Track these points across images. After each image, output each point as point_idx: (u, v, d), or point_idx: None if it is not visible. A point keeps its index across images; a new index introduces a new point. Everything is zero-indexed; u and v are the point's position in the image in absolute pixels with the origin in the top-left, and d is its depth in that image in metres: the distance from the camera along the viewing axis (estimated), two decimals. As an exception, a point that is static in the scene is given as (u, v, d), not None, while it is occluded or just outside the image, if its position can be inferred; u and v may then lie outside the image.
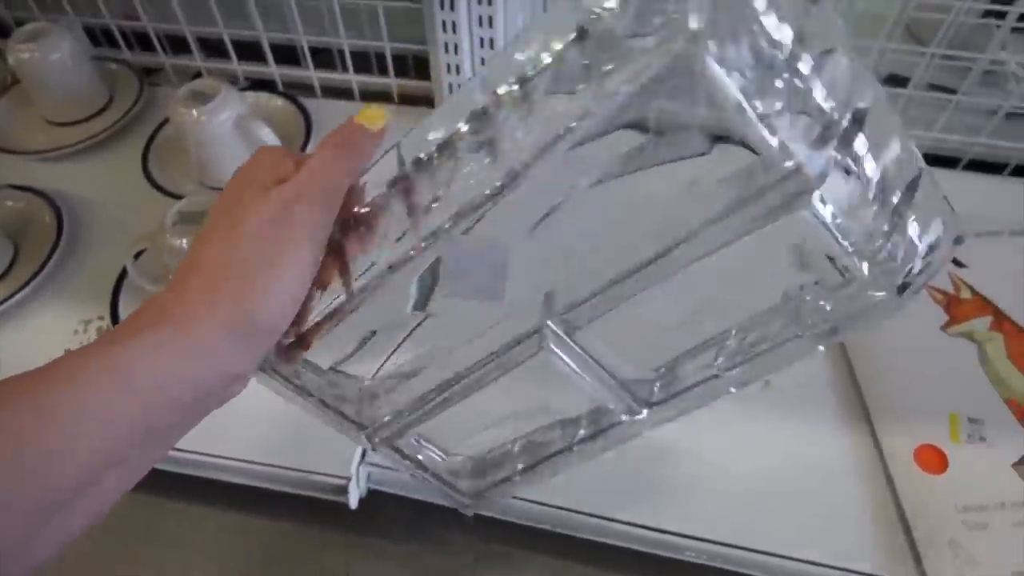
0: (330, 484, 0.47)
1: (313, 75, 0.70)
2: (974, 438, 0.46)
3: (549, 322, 0.29)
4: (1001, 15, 0.55)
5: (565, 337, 0.30)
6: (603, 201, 0.27)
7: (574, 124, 0.22)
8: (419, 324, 0.32)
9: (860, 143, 0.24)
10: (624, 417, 0.35)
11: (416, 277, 0.28)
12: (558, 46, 0.23)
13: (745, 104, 0.21)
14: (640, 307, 0.28)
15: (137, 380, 0.24)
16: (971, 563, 0.41)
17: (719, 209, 0.25)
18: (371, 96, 0.72)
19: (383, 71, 0.69)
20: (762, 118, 0.21)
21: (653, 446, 0.47)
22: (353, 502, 0.47)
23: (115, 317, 0.54)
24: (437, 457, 0.39)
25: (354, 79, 0.70)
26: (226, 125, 0.58)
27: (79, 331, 0.55)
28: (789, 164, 0.23)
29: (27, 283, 0.55)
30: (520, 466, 0.39)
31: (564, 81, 0.23)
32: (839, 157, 0.24)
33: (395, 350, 0.34)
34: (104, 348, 0.24)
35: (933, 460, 0.45)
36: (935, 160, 0.65)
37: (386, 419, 0.35)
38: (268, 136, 0.59)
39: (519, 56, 0.24)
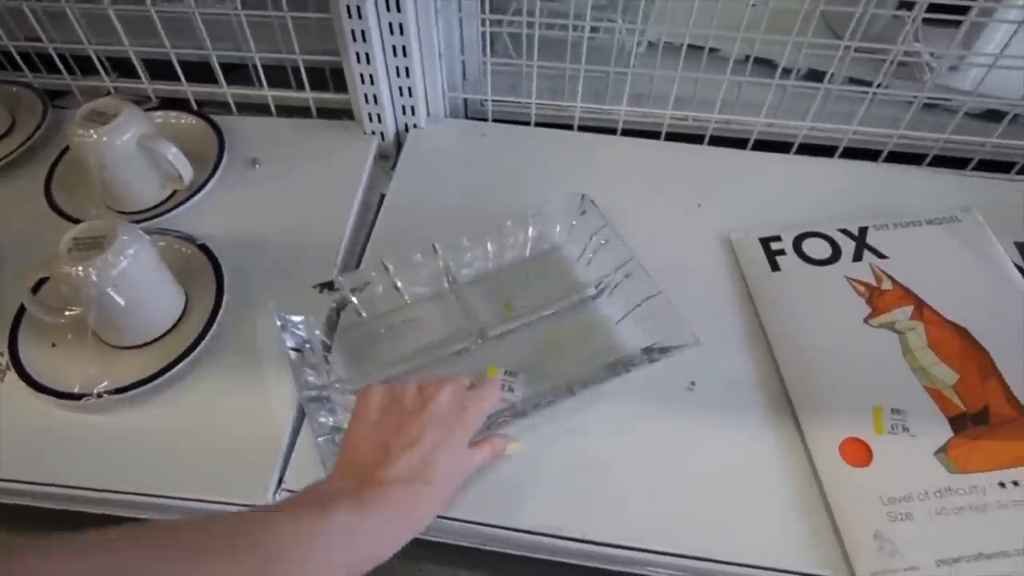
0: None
1: (227, 91, 0.68)
2: (897, 429, 0.46)
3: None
4: (911, 6, 0.55)
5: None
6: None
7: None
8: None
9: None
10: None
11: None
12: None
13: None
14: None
15: (359, 546, 0.35)
16: (895, 554, 0.41)
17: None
18: (289, 111, 0.70)
19: (302, 85, 0.67)
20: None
21: (577, 457, 0.47)
22: (270, 534, 0.45)
23: (14, 353, 0.51)
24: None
25: (269, 94, 0.68)
26: (129, 145, 0.56)
27: (-25, 369, 0.52)
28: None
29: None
30: None
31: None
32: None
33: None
34: (347, 516, 0.36)
35: (858, 453, 0.45)
36: (857, 153, 0.66)
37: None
38: (175, 156, 0.57)
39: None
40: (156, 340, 0.52)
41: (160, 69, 0.69)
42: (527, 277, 0.55)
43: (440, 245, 0.53)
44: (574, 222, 0.56)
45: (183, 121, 0.66)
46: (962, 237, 0.56)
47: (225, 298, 0.52)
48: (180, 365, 0.49)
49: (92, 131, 0.54)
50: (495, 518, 0.44)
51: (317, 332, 0.51)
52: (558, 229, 0.57)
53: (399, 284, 0.53)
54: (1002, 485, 0.43)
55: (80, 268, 0.45)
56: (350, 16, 0.56)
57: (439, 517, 0.44)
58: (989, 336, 0.49)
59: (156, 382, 0.48)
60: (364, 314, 0.53)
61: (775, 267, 0.54)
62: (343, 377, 0.50)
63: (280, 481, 0.45)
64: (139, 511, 0.46)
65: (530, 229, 0.55)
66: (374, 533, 0.36)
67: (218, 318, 0.51)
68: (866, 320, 0.51)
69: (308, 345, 0.49)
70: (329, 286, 0.52)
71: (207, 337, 0.50)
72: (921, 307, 0.51)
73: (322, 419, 0.45)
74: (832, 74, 0.63)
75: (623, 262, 0.52)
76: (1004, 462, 0.44)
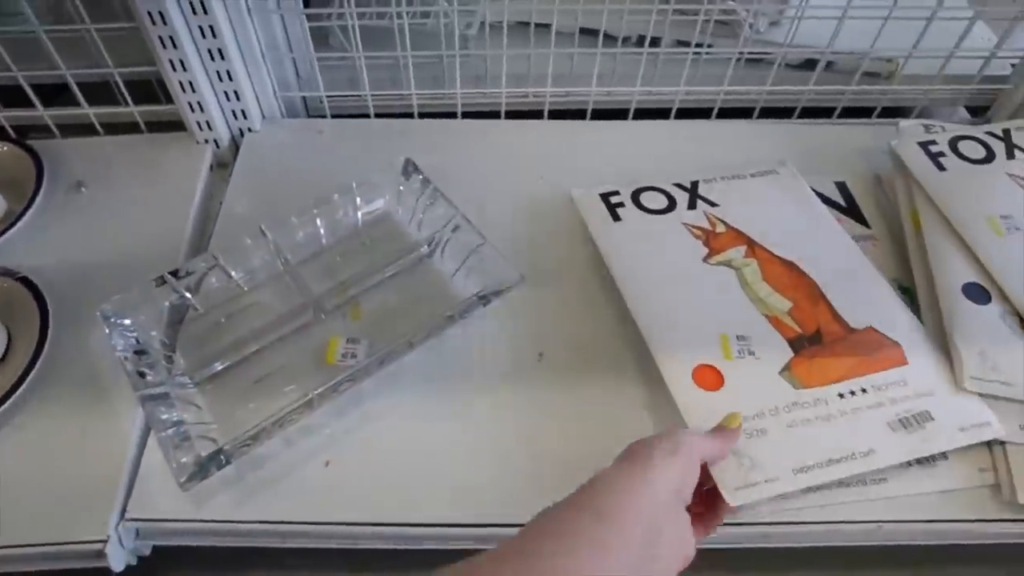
0: (86, 551, 0.41)
1: (44, 114, 0.63)
2: (744, 353, 0.48)
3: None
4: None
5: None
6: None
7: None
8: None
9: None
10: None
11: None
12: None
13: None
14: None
15: None
16: (755, 468, 0.42)
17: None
18: (118, 128, 0.66)
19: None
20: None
21: (433, 440, 0.46)
22: (117, 565, 0.42)
23: None
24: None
25: (91, 112, 0.63)
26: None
27: None
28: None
29: None
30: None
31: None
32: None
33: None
34: None
35: (710, 378, 0.46)
36: (692, 113, 0.69)
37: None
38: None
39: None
40: (-26, 386, 0.47)
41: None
42: (363, 247, 0.56)
43: (267, 227, 0.53)
44: (401, 187, 0.58)
45: (-10, 150, 0.61)
46: (781, 186, 0.59)
47: (50, 332, 0.49)
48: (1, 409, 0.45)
49: None
50: (348, 515, 0.43)
51: (153, 333, 0.49)
52: (387, 197, 0.58)
53: (232, 273, 0.52)
54: (841, 396, 0.46)
55: None
56: (154, 22, 0.53)
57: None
58: (815, 268, 0.52)
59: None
60: (200, 308, 0.51)
61: (616, 217, 0.56)
62: (185, 370, 0.48)
63: (123, 511, 0.42)
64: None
65: (358, 199, 0.57)
66: None
67: (43, 354, 0.47)
68: (705, 259, 0.53)
69: (141, 346, 0.48)
70: (160, 281, 0.50)
71: (30, 376, 0.46)
72: (753, 246, 0.54)
73: (163, 416, 0.44)
74: (652, 38, 0.64)
75: (449, 218, 0.54)
76: (840, 375, 0.47)
